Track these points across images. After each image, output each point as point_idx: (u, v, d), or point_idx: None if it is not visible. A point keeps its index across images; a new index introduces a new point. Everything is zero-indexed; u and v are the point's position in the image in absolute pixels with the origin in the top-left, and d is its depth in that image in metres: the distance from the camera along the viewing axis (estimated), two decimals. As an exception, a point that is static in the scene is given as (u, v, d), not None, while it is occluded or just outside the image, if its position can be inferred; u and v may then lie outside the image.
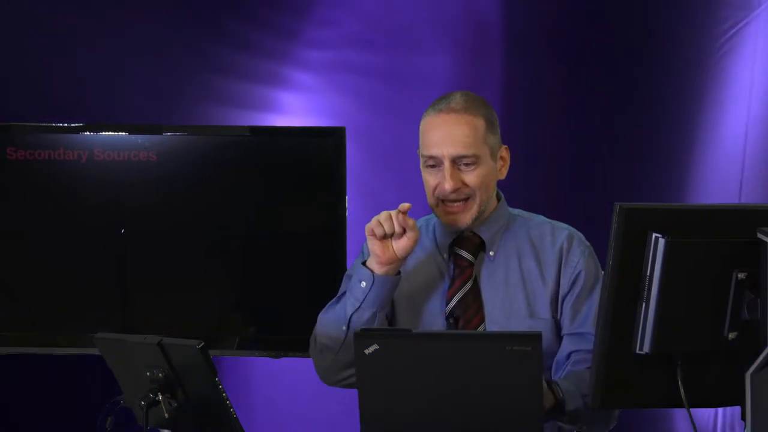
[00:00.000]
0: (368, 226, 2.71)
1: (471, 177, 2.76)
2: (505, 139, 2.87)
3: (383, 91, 4.04)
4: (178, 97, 4.04)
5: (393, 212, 2.70)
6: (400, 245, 2.71)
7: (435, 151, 2.75)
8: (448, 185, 2.74)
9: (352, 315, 2.75)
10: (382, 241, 2.71)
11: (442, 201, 2.78)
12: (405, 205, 2.70)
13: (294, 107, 4.07)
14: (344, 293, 2.81)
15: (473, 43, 4.06)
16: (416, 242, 2.73)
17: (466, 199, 2.77)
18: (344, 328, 2.76)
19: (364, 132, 3.99)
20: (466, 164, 2.75)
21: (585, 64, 4.05)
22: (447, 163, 2.74)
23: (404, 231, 2.70)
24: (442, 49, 4.06)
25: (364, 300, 2.74)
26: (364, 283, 2.74)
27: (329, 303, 2.85)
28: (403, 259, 2.74)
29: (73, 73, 4.01)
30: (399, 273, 2.76)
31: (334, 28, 4.06)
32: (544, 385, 2.50)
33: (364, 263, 2.76)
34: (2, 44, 4.01)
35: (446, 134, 2.74)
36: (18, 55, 4.01)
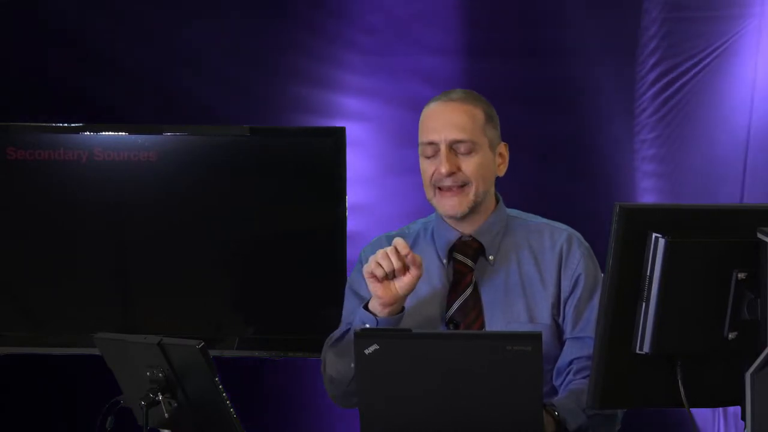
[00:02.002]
0: (366, 269, 2.64)
1: (467, 164, 2.76)
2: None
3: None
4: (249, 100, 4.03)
5: (389, 249, 2.62)
6: (402, 282, 2.64)
7: (433, 137, 2.76)
8: (444, 168, 2.74)
9: None
10: (383, 282, 2.65)
11: (439, 188, 2.78)
12: (401, 244, 2.62)
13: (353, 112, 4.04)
14: (348, 330, 2.74)
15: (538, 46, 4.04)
16: (419, 279, 2.65)
17: (462, 186, 2.77)
18: (353, 365, 2.69)
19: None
20: (464, 151, 2.75)
21: (582, 62, 4.04)
22: (443, 148, 2.74)
23: (404, 267, 2.63)
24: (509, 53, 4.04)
25: None
26: (367, 326, 2.66)
27: (335, 335, 2.79)
28: (406, 296, 2.67)
29: (144, 76, 4.01)
30: (403, 309, 2.69)
31: (379, 34, 4.03)
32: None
33: (366, 307, 2.68)
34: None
35: (445, 120, 2.76)
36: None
